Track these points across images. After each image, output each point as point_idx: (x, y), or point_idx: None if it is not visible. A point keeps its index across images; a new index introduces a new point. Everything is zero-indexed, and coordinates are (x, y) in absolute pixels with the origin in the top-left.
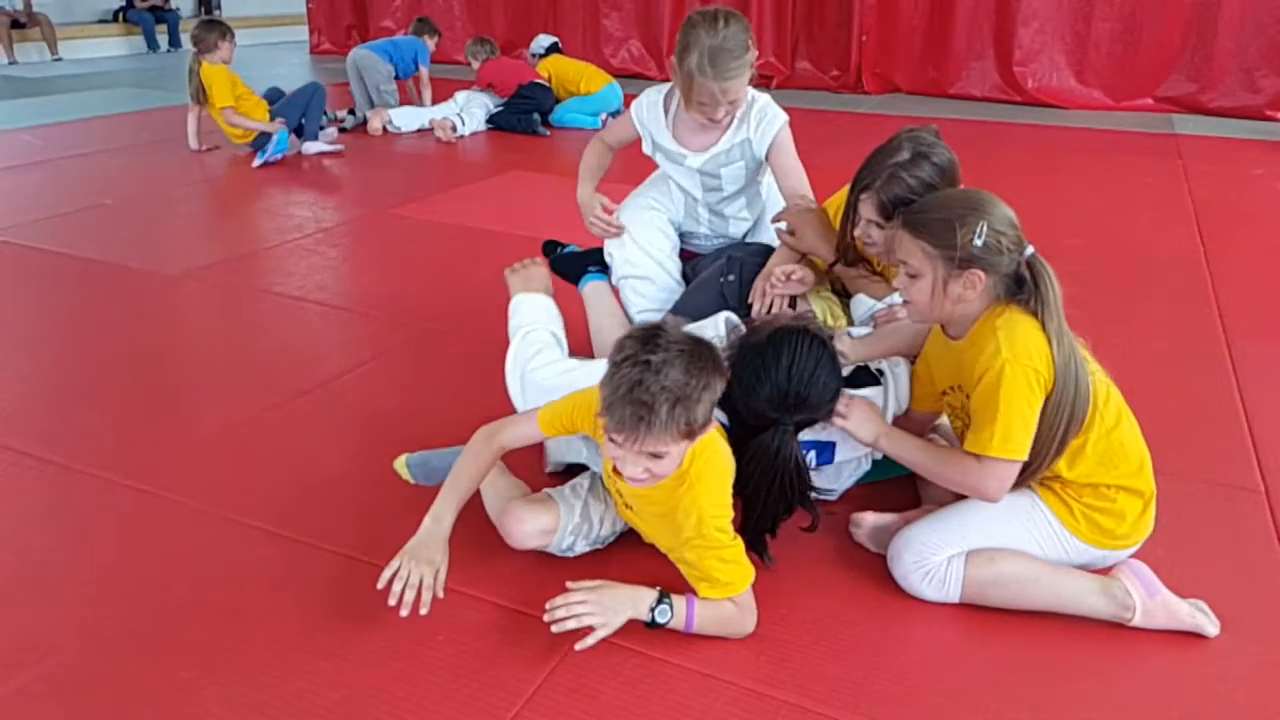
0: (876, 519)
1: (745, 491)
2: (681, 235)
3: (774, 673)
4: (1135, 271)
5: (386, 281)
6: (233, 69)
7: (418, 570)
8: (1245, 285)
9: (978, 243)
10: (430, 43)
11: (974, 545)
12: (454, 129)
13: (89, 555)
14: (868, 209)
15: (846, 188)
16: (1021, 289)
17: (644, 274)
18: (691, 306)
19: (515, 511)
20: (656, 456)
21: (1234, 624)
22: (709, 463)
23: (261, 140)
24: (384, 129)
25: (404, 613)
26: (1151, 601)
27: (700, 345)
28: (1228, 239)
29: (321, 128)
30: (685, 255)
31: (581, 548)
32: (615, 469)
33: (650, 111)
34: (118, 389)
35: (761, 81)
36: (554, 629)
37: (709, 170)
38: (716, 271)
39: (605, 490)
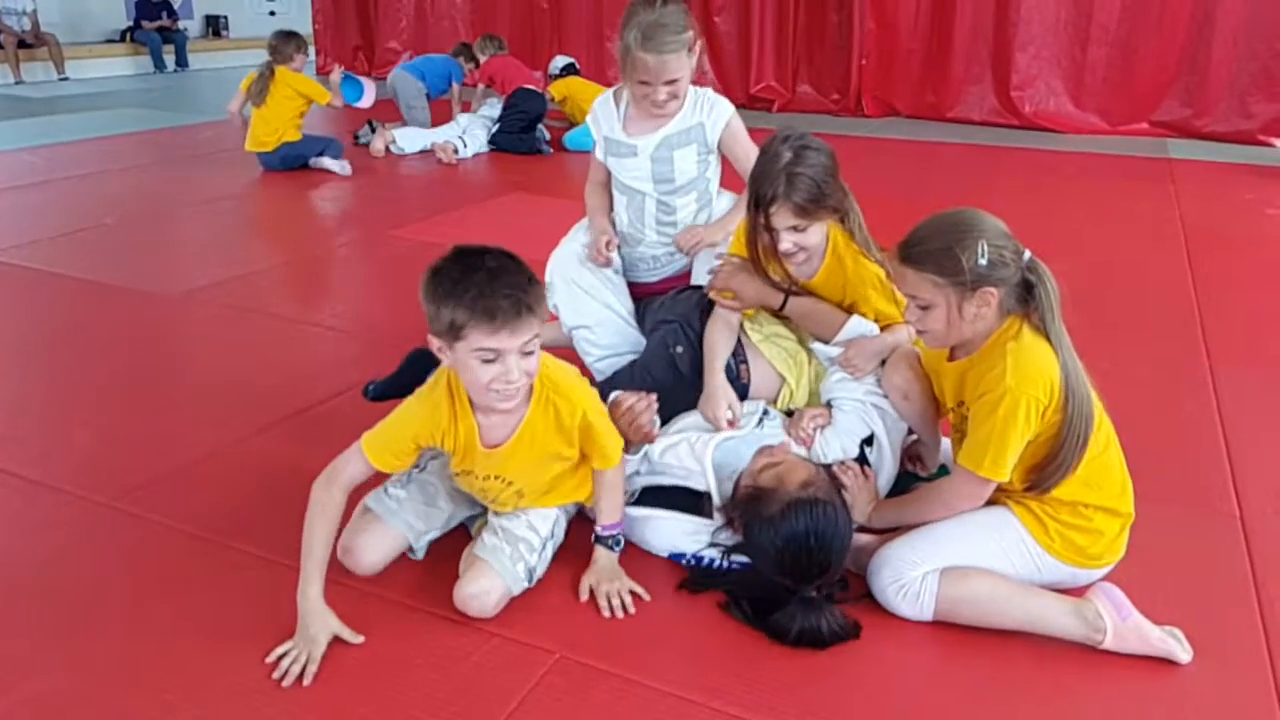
0: (854, 538)
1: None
2: (625, 260)
3: (749, 695)
4: (1123, 295)
5: (382, 303)
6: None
7: (304, 650)
8: (1231, 311)
9: (982, 262)
10: (467, 65)
11: (949, 561)
12: (455, 151)
13: (75, 576)
14: (784, 218)
15: (742, 228)
16: (1031, 295)
17: (595, 320)
18: (650, 383)
19: (463, 592)
20: (528, 353)
21: (1204, 649)
22: (550, 371)
23: (276, 156)
24: (387, 150)
25: (286, 683)
26: (1123, 624)
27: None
28: (1216, 264)
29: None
30: (634, 293)
31: (550, 554)
32: (473, 475)
33: (603, 108)
34: (111, 411)
35: (763, 105)
36: (619, 614)
37: (662, 156)
38: (660, 343)
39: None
